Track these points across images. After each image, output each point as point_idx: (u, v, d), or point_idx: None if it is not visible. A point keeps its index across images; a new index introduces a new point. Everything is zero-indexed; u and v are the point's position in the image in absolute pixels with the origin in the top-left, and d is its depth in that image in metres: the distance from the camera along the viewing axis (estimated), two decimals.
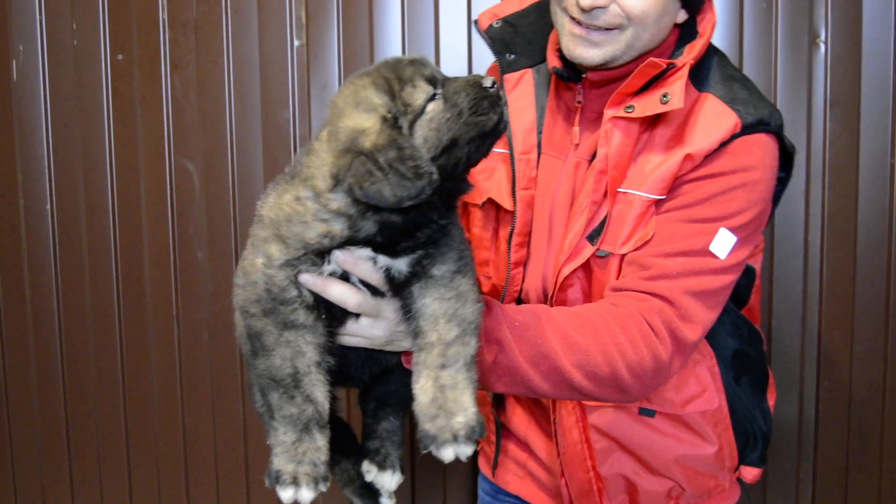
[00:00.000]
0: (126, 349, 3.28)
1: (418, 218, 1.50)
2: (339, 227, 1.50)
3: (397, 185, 1.41)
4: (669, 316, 1.75)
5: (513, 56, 2.03)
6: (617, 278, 1.83)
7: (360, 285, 1.55)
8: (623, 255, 1.81)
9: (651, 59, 1.79)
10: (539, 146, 2.00)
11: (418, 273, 1.53)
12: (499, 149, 2.01)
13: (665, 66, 1.79)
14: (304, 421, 1.53)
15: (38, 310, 3.28)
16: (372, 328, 1.59)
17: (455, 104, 1.47)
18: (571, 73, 1.93)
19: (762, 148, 1.83)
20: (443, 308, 1.50)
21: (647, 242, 1.79)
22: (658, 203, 1.79)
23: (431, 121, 1.47)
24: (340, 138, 1.47)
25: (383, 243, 1.52)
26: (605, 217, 1.83)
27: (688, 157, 1.78)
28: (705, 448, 1.99)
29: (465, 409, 1.47)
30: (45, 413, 3.33)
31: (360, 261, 1.52)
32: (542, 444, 2.11)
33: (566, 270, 1.87)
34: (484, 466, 2.34)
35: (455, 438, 1.45)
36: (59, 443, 3.33)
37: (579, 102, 1.94)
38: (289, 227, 1.51)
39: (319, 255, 1.52)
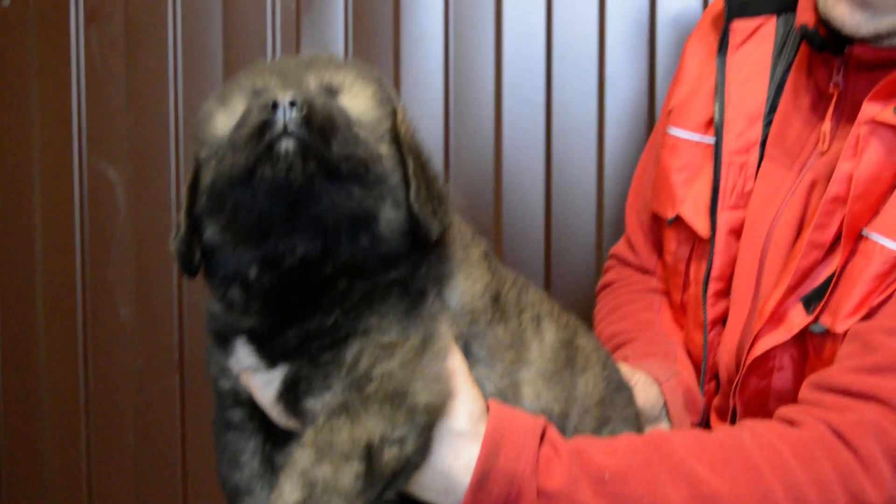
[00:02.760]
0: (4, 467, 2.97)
1: (266, 305, 1.35)
2: (212, 300, 1.41)
3: (174, 249, 1.37)
4: (894, 437, 1.46)
5: None
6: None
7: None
8: (844, 334, 1.56)
9: None
10: (763, 145, 1.79)
11: (289, 401, 1.35)
12: (708, 137, 1.83)
13: None
14: None
15: None
16: None
17: (230, 141, 1.32)
18: (830, 38, 1.68)
19: None
20: (297, 457, 1.30)
21: (879, 309, 1.53)
22: None
23: (209, 161, 1.36)
24: None
25: (266, 335, 1.36)
26: (834, 272, 1.58)
27: None
28: None
29: None
30: None
31: (246, 372, 1.39)
32: None
33: (762, 346, 1.63)
34: None
35: None
36: None
37: (836, 85, 1.69)
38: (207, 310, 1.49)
39: (224, 340, 1.40)
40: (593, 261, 2.48)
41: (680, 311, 1.91)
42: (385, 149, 1.33)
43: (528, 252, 2.46)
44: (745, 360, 1.67)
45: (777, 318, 1.63)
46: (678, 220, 1.87)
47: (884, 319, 1.53)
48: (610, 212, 2.48)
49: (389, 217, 1.33)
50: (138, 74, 2.69)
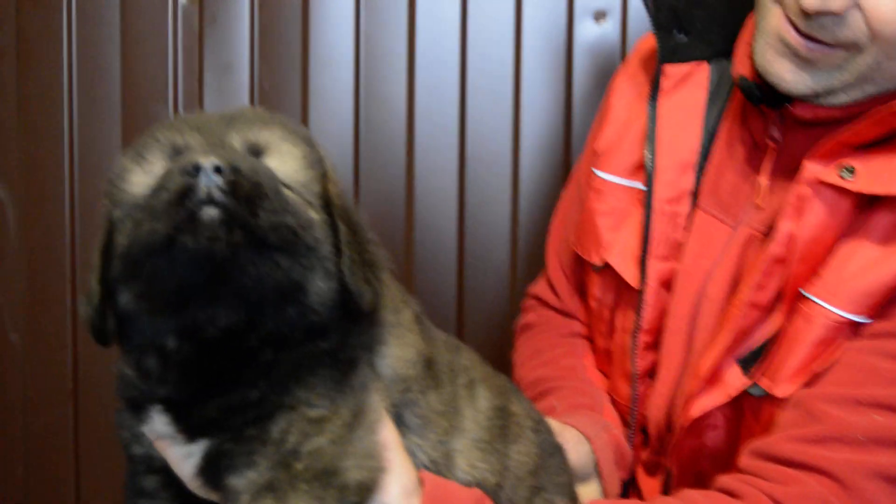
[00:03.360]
0: None
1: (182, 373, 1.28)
2: (125, 366, 1.34)
3: (85, 315, 1.31)
4: None
5: (683, 36, 1.80)
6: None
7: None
8: (785, 400, 1.54)
9: None
10: (696, 195, 1.76)
11: (210, 477, 1.28)
12: (636, 183, 1.80)
13: None
14: None
15: None
16: None
17: (148, 207, 1.24)
18: (768, 93, 1.66)
19: None
20: None
21: (823, 376, 1.51)
22: (856, 327, 1.52)
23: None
24: None
25: (185, 407, 1.29)
26: (774, 334, 1.56)
27: None
28: None
29: None
30: None
31: (164, 442, 1.33)
32: None
33: (698, 408, 1.61)
34: None
35: None
36: None
37: (774, 140, 1.68)
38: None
39: (138, 406, 1.33)
40: (507, 293, 2.46)
41: (604, 358, 1.88)
42: (315, 214, 1.27)
43: (440, 284, 2.44)
44: (681, 421, 1.65)
45: (713, 378, 1.61)
46: (606, 267, 1.84)
47: (828, 387, 1.52)
48: (524, 244, 2.47)
49: (319, 288, 1.27)
50: (30, 86, 2.59)
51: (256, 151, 1.29)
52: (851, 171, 1.55)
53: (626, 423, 1.83)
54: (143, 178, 1.27)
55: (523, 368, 1.91)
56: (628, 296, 1.82)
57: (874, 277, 1.51)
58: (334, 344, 1.30)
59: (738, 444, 1.63)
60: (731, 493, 1.49)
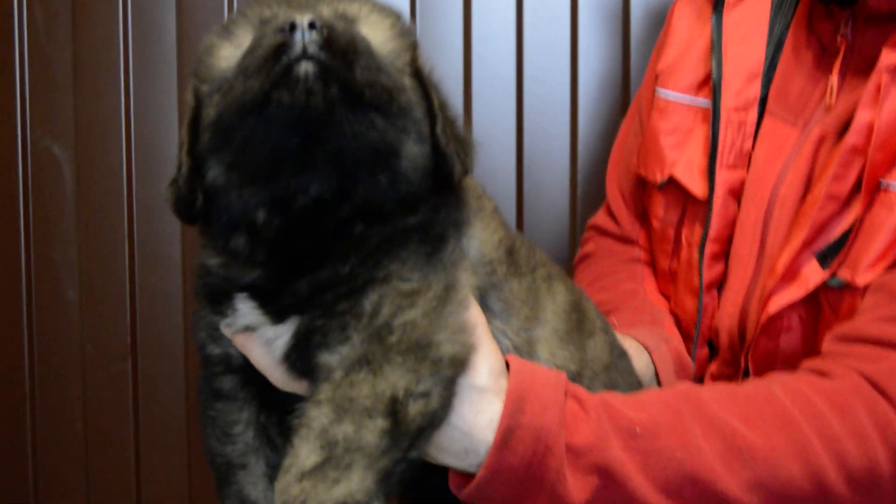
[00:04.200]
0: None
1: (275, 252, 1.27)
2: (208, 254, 1.33)
3: (172, 195, 1.30)
4: None
5: None
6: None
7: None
8: (865, 289, 1.52)
9: None
10: (764, 102, 1.76)
11: (302, 356, 1.27)
12: (700, 99, 1.81)
13: None
14: None
15: None
16: None
17: (241, 68, 1.21)
18: None
19: None
20: (313, 417, 1.22)
21: None
22: None
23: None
24: None
25: (272, 290, 1.27)
26: (852, 225, 1.55)
27: None
28: None
29: None
30: None
31: (246, 336, 1.32)
32: None
33: (776, 304, 1.60)
34: None
35: None
36: None
37: (844, 38, 1.66)
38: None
39: (219, 299, 1.32)
40: (567, 235, 2.45)
41: (667, 279, 1.88)
42: (407, 81, 1.25)
43: None
44: (759, 319, 1.64)
45: (791, 274, 1.60)
46: (669, 184, 1.84)
47: None
48: (584, 185, 2.45)
49: (413, 153, 1.24)
50: (85, 45, 2.60)
51: (347, 20, 1.26)
52: None
53: (690, 339, 1.83)
54: (231, 51, 1.25)
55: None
56: (694, 209, 1.81)
57: None
58: (424, 219, 1.28)
59: (814, 345, 1.62)
60: (820, 373, 1.49)
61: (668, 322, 1.85)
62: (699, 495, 1.40)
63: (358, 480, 1.22)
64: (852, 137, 1.55)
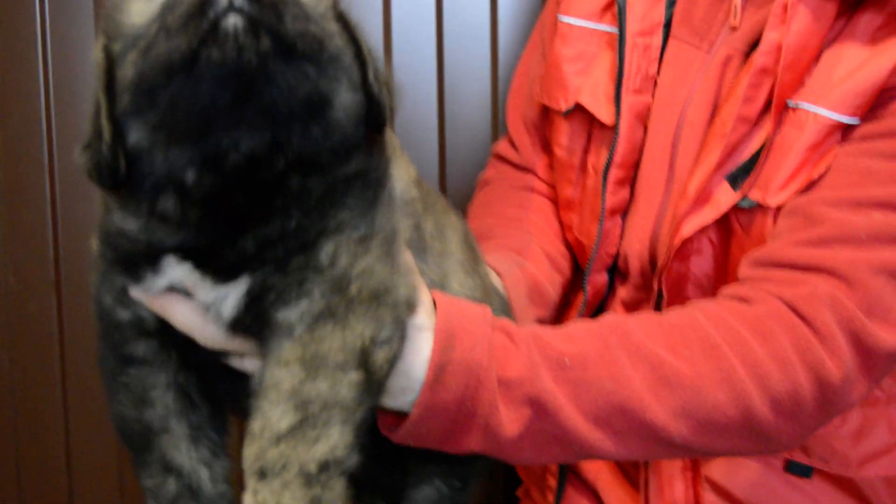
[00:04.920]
0: None
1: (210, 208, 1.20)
2: (125, 217, 1.24)
3: (89, 161, 1.20)
4: (848, 307, 1.45)
5: None
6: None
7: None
8: (778, 209, 1.54)
9: None
10: (668, 26, 1.74)
11: (255, 315, 1.22)
12: (603, 25, 1.78)
13: None
14: (168, 500, 1.35)
15: None
16: (246, 364, 1.32)
17: (162, 25, 1.12)
18: None
19: None
20: (279, 378, 1.20)
21: (818, 181, 1.52)
22: (847, 129, 1.52)
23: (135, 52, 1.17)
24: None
25: (208, 250, 1.21)
26: (762, 146, 1.55)
27: None
28: None
29: None
30: None
31: (166, 298, 1.27)
32: (621, 498, 1.83)
33: (689, 227, 1.60)
34: None
35: None
36: None
37: None
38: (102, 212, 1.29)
39: (135, 263, 1.25)
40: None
41: (571, 207, 1.87)
42: (333, 26, 1.20)
43: (423, 154, 2.43)
44: (672, 243, 1.64)
45: (702, 198, 1.60)
46: (575, 110, 1.81)
47: (824, 191, 1.52)
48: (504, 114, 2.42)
49: (345, 101, 1.21)
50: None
51: None
52: None
53: (584, 264, 1.83)
54: (143, 6, 1.18)
55: (474, 221, 1.89)
56: (600, 135, 1.79)
57: (864, 77, 1.50)
58: (361, 166, 1.25)
59: (725, 269, 1.63)
60: (740, 300, 1.50)
61: (534, 251, 1.84)
62: (628, 424, 1.42)
63: (338, 436, 1.22)
64: (761, 59, 1.54)
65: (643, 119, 1.75)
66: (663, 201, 1.71)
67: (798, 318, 1.46)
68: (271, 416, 1.20)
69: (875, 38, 1.52)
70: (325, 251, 1.21)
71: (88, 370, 2.51)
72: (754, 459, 1.71)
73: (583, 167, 1.83)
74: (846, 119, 1.52)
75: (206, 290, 1.24)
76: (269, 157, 1.16)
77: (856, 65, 1.52)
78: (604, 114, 1.76)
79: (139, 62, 1.14)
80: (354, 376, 1.22)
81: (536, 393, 1.36)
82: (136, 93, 1.15)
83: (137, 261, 1.25)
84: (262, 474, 1.21)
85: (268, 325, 1.23)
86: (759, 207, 1.56)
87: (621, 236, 1.78)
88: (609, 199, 1.75)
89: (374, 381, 1.25)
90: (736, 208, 1.58)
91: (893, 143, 1.52)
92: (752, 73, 1.54)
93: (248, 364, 1.32)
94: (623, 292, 1.77)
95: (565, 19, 1.78)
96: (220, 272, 1.22)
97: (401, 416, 1.35)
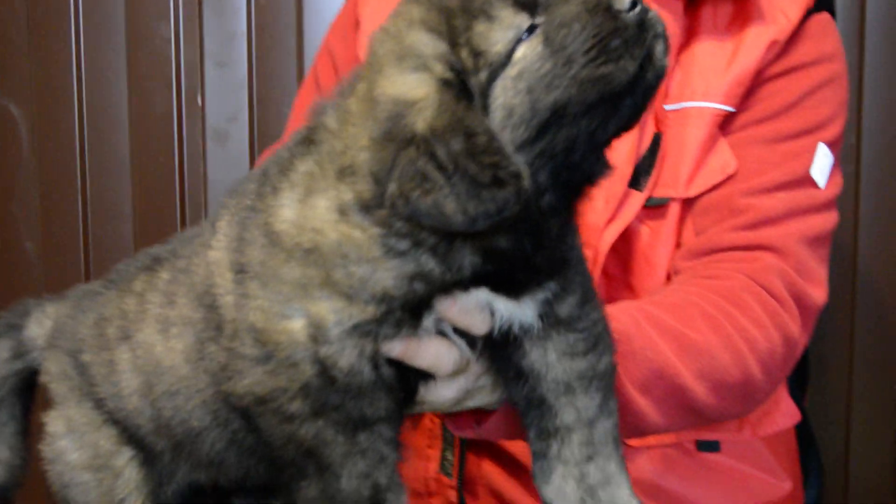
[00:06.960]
0: None
1: (533, 236, 1.21)
2: (432, 264, 1.20)
3: (466, 196, 1.09)
4: (790, 273, 1.63)
5: None
6: (680, 235, 1.71)
7: (455, 335, 1.29)
8: (687, 201, 1.67)
9: None
10: None
11: (545, 319, 1.27)
12: None
13: None
14: None
15: None
16: (445, 389, 1.33)
17: (562, 46, 1.12)
18: None
19: (834, 31, 1.77)
20: (576, 368, 1.27)
21: (730, 177, 1.66)
22: (726, 119, 1.67)
23: (520, 78, 1.14)
24: (378, 114, 1.14)
25: (498, 278, 1.24)
26: (654, 142, 1.67)
27: (773, 43, 1.67)
28: (779, 486, 1.85)
29: None
30: None
31: (472, 311, 1.25)
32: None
33: (611, 234, 1.69)
34: None
35: None
36: None
37: None
38: (346, 269, 1.19)
39: (411, 309, 1.22)
40: None
41: None
42: None
43: None
44: (599, 250, 1.70)
45: (617, 207, 1.67)
46: None
47: (738, 184, 1.65)
48: None
49: None
50: (39, 8, 2.65)
51: None
52: None
53: None
54: (500, 34, 1.15)
55: None
56: None
57: (740, 68, 1.63)
58: None
59: (630, 269, 1.74)
60: (708, 277, 1.62)
61: None
62: (666, 390, 1.51)
63: (615, 404, 1.34)
64: None
65: None
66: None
67: (760, 287, 1.59)
68: (581, 405, 1.28)
69: (731, 31, 1.65)
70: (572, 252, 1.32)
71: None
72: (671, 446, 1.79)
73: None
74: (730, 108, 1.65)
75: (503, 307, 1.25)
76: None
77: (726, 59, 1.64)
78: None
79: (555, 87, 1.12)
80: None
81: None
82: (542, 122, 1.14)
83: (418, 306, 1.22)
84: (590, 458, 1.29)
85: (548, 323, 1.27)
86: (672, 201, 1.67)
87: None
88: None
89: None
90: (646, 208, 1.66)
91: (767, 127, 1.66)
92: None
93: (446, 390, 1.34)
94: None
95: None
96: (514, 291, 1.24)
97: (478, 413, 1.42)
